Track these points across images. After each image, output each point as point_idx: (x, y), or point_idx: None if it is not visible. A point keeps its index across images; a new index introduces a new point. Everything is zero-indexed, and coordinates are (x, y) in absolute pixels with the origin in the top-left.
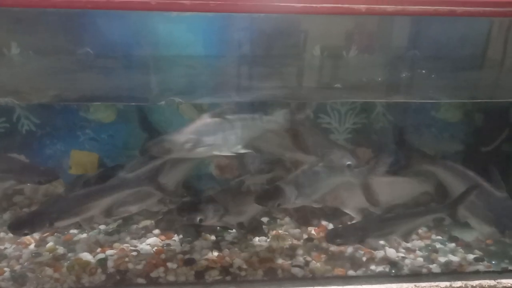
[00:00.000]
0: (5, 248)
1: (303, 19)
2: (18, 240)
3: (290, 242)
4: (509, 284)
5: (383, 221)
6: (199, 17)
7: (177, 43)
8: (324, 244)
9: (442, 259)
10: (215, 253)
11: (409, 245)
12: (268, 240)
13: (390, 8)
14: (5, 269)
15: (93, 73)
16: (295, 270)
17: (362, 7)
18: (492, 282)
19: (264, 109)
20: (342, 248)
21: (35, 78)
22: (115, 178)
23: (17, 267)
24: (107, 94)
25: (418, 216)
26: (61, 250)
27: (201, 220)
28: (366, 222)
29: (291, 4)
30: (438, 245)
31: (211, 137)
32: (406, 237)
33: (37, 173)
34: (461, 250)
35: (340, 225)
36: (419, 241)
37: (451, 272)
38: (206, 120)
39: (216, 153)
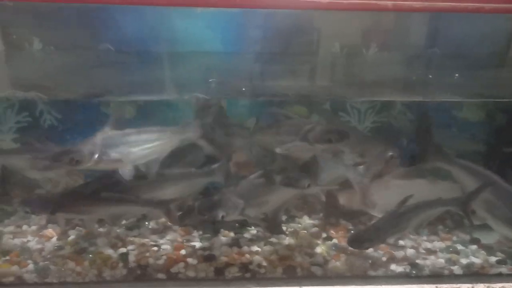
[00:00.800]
0: (28, 241)
1: (317, 16)
2: (40, 233)
3: (309, 241)
4: None
5: (399, 216)
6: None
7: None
8: (343, 243)
9: (463, 261)
10: (235, 250)
11: (429, 246)
12: (286, 238)
13: (417, 4)
14: (28, 261)
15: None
16: (314, 269)
17: (389, 3)
18: None
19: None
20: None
21: (57, 74)
22: None
23: (40, 260)
24: (129, 90)
25: (430, 208)
26: (83, 244)
27: (223, 217)
28: (385, 220)
29: (317, 0)
30: (459, 247)
31: (115, 150)
32: (417, 229)
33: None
34: (483, 252)
35: (361, 228)
36: (440, 242)
37: (472, 274)
38: (109, 132)
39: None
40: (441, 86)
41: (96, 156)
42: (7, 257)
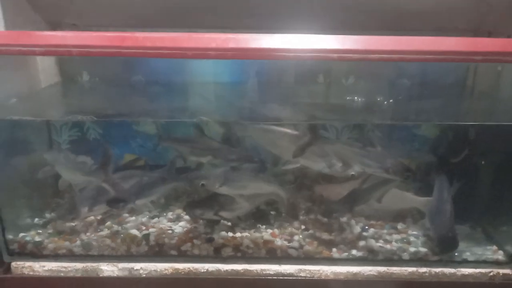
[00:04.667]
0: (76, 225)
1: None
2: (86, 219)
3: (290, 230)
4: (467, 273)
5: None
6: None
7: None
8: (317, 234)
9: (412, 249)
10: (230, 234)
11: (388, 237)
12: (273, 228)
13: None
14: (77, 238)
15: (143, 96)
16: (291, 251)
17: (335, 55)
18: (452, 270)
19: None
20: (331, 237)
21: (100, 100)
22: None
23: (85, 238)
24: (151, 113)
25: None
26: (116, 228)
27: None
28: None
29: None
30: (412, 238)
31: None
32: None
33: None
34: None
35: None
36: (397, 235)
37: (418, 260)
38: None
39: None
40: (407, 110)
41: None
42: (61, 235)
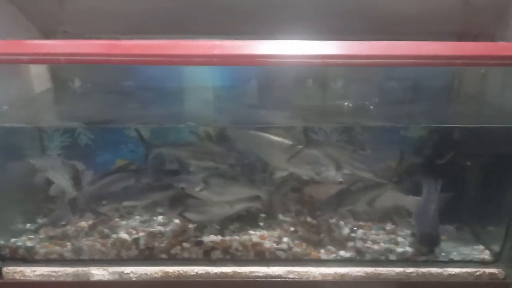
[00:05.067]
0: (68, 229)
1: None
2: (77, 224)
3: (279, 232)
4: (453, 272)
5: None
6: None
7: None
8: (306, 235)
9: (399, 250)
10: (219, 237)
11: (376, 238)
12: (262, 230)
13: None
14: (67, 243)
15: (134, 102)
16: (279, 253)
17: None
18: (439, 270)
19: None
20: (320, 238)
21: (92, 106)
22: None
23: (75, 243)
24: (141, 118)
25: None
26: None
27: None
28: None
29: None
30: (400, 239)
31: None
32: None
33: None
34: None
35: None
36: (385, 235)
37: (405, 260)
38: None
39: None
40: (394, 113)
41: None
42: (52, 240)
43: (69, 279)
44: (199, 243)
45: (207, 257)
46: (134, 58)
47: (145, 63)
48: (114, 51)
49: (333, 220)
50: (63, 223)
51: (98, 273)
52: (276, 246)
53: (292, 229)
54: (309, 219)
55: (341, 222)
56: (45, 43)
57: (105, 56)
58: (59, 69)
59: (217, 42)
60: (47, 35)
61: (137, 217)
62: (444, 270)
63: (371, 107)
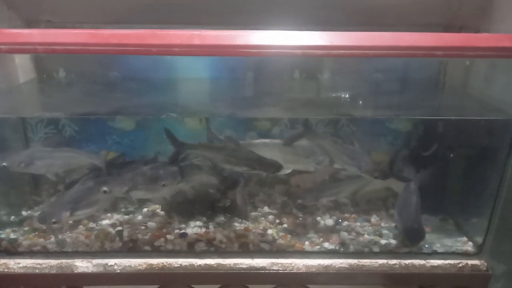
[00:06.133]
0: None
1: None
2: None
3: (264, 225)
4: (436, 264)
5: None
6: None
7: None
8: (291, 227)
9: (382, 242)
10: (203, 229)
11: (361, 230)
12: (247, 222)
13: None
14: (51, 235)
15: (119, 92)
16: (263, 245)
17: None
18: (422, 262)
19: None
20: (304, 230)
21: (76, 96)
22: None
23: (59, 235)
24: (127, 110)
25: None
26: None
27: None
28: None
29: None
30: (384, 231)
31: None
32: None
33: None
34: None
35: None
36: (370, 227)
37: (388, 252)
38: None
39: None
40: (380, 104)
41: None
42: (36, 232)
43: (53, 271)
44: (183, 235)
45: (191, 249)
46: (112, 48)
47: (123, 53)
48: (91, 40)
49: (318, 212)
50: (54, 220)
51: (82, 265)
52: (261, 238)
53: (277, 221)
54: (294, 210)
55: (326, 214)
56: (21, 32)
57: (83, 45)
58: (43, 59)
59: (196, 32)
60: (29, 24)
61: (122, 209)
62: (427, 262)
63: (347, 99)
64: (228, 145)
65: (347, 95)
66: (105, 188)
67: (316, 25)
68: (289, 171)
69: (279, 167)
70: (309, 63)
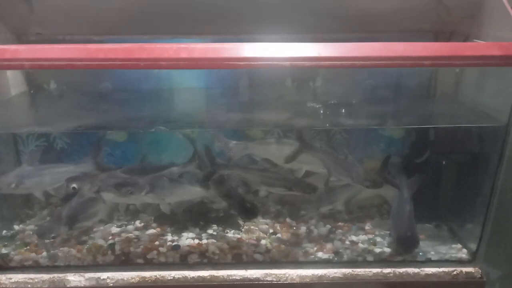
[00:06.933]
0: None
1: None
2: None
3: (258, 235)
4: (430, 272)
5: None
6: None
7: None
8: (285, 237)
9: (376, 250)
10: (196, 241)
11: (355, 239)
12: (240, 233)
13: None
14: (43, 250)
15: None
16: (257, 256)
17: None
18: (416, 270)
19: None
20: (297, 240)
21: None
22: None
23: (51, 249)
24: (118, 124)
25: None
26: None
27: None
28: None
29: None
30: (378, 239)
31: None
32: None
33: None
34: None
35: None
36: (364, 235)
37: (382, 260)
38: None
39: None
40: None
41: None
42: (28, 247)
43: (45, 286)
44: (176, 248)
45: (184, 262)
46: (99, 63)
47: (110, 67)
48: (78, 55)
49: (312, 221)
50: (53, 235)
51: (75, 279)
52: (254, 249)
53: (270, 230)
54: (288, 220)
55: (320, 223)
56: (7, 48)
57: (70, 60)
58: (34, 72)
59: (183, 45)
60: (19, 36)
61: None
62: (421, 270)
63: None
64: (264, 166)
65: (337, 103)
66: (74, 185)
67: (308, 32)
68: (302, 172)
69: (314, 188)
70: (299, 72)
